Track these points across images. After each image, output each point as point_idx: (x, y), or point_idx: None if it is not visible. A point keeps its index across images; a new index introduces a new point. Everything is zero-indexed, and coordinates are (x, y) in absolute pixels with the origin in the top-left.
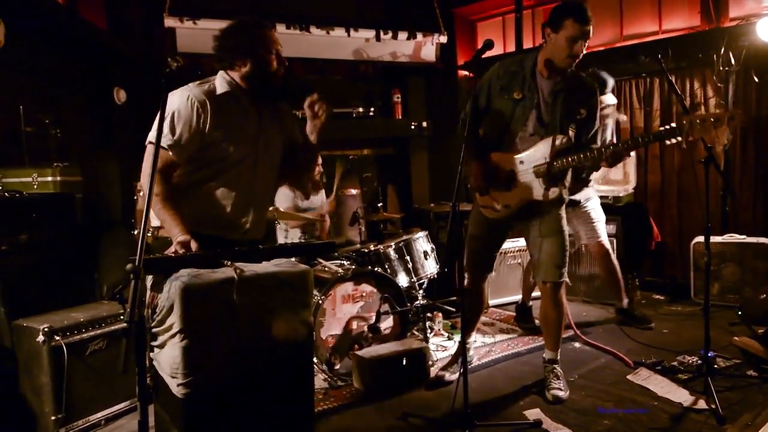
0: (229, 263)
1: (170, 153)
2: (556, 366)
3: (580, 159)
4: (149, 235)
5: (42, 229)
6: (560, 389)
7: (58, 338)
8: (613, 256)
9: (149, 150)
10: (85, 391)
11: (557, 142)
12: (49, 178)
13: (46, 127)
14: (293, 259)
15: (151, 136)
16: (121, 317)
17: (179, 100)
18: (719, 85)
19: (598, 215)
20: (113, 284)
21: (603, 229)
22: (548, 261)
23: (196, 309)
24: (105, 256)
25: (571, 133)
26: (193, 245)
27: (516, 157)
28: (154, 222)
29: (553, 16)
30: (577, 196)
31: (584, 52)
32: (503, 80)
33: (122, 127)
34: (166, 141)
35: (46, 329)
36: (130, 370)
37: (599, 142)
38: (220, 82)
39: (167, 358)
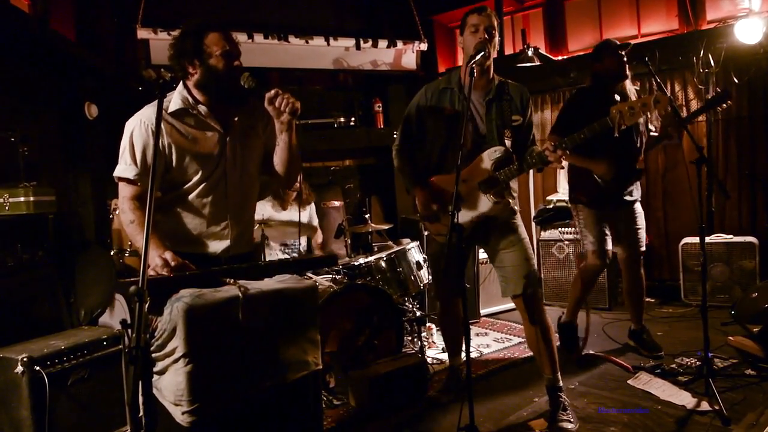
0: (232, 281)
1: (139, 185)
2: (560, 394)
3: (521, 167)
4: (129, 255)
5: (14, 254)
6: (569, 422)
7: (38, 368)
8: (643, 271)
9: (120, 187)
10: (67, 423)
11: (496, 154)
12: (21, 198)
13: (14, 145)
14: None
15: (117, 170)
16: (104, 342)
17: (133, 127)
18: (700, 86)
19: (642, 219)
20: (91, 308)
21: (644, 235)
22: (513, 273)
23: (201, 331)
24: (81, 279)
25: (507, 142)
26: (169, 256)
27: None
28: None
29: (460, 25)
30: (627, 196)
31: (494, 41)
32: (432, 100)
33: (94, 143)
34: (131, 173)
35: (24, 359)
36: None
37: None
38: (175, 99)
39: (170, 384)
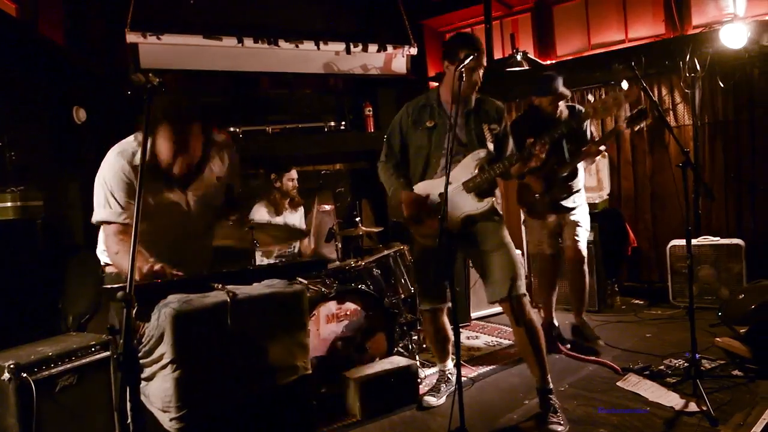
0: (220, 286)
1: (125, 224)
2: (550, 396)
3: (505, 165)
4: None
5: (1, 259)
6: (559, 424)
7: (25, 375)
8: (586, 269)
9: (103, 227)
10: (55, 430)
11: (480, 155)
12: (9, 204)
13: (1, 150)
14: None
15: (102, 215)
16: (93, 348)
17: (107, 172)
18: (686, 91)
19: (585, 222)
20: (80, 314)
21: (585, 235)
22: (500, 275)
23: (189, 336)
24: (70, 284)
25: (490, 146)
26: (158, 266)
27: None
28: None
29: (448, 48)
30: (567, 203)
31: (480, 80)
32: (413, 116)
33: (84, 147)
34: (116, 216)
35: (11, 366)
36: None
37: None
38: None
39: (157, 390)
